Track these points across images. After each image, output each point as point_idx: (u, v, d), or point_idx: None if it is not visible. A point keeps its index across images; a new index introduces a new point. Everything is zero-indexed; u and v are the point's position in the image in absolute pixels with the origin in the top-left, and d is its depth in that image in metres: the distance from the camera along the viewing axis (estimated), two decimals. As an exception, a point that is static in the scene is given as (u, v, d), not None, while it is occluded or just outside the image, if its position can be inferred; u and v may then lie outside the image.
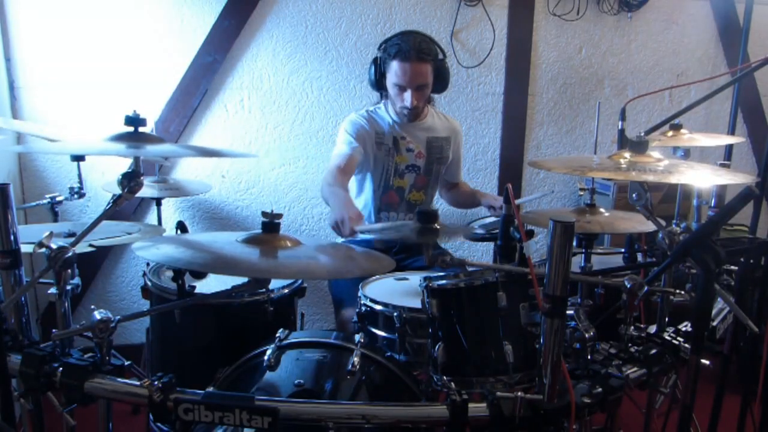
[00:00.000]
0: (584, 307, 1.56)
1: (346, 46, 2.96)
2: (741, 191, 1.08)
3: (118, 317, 1.13)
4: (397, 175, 2.35)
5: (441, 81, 2.26)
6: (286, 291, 1.79)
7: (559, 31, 3.19)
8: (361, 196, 2.42)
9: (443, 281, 1.38)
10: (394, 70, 2.16)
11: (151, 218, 2.86)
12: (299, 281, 1.84)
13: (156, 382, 1.05)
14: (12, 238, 1.17)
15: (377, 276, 1.89)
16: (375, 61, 2.25)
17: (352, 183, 2.46)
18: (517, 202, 2.04)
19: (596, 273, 1.66)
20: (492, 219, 2.34)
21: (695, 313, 1.13)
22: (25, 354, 1.09)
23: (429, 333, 1.41)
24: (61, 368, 1.08)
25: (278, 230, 1.30)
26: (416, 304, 1.52)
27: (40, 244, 1.14)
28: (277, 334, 1.49)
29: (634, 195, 1.32)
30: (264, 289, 1.70)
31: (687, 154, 2.12)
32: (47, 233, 1.15)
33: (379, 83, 2.26)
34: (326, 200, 2.09)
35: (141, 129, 1.37)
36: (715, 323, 1.72)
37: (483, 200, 2.42)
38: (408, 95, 2.19)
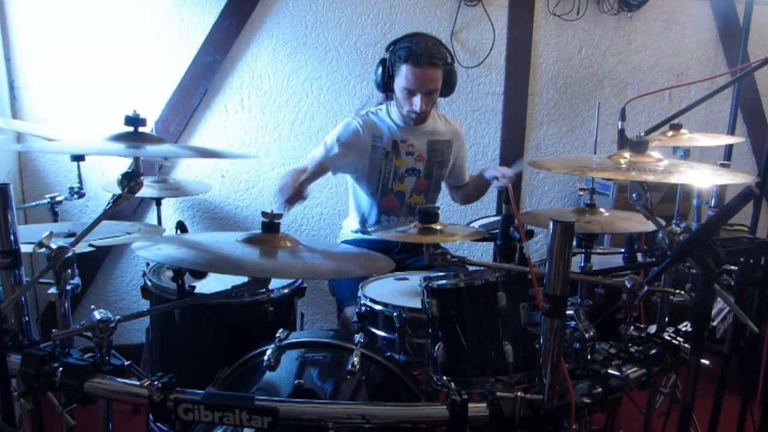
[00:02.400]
0: (584, 307, 1.55)
1: (346, 46, 2.96)
2: (741, 191, 1.08)
3: (118, 317, 1.13)
4: (396, 178, 2.32)
5: (449, 86, 2.23)
6: (286, 291, 1.79)
7: (559, 31, 3.18)
8: (358, 200, 2.41)
9: (443, 281, 1.38)
10: (405, 74, 2.12)
11: (151, 218, 2.86)
12: (299, 281, 1.84)
13: (156, 382, 1.05)
14: (12, 238, 1.17)
15: (377, 276, 1.89)
16: (383, 62, 2.20)
17: (348, 187, 2.46)
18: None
19: (596, 273, 1.66)
20: (492, 219, 2.34)
21: (695, 313, 1.13)
22: (25, 354, 1.09)
23: (429, 333, 1.41)
24: (61, 368, 1.08)
25: (278, 230, 1.30)
26: (416, 304, 1.52)
27: (40, 244, 1.14)
28: (277, 334, 1.49)
29: (634, 195, 1.32)
30: (264, 289, 1.70)
31: (687, 154, 2.12)
32: (47, 233, 1.15)
33: (386, 85, 2.22)
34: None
35: (141, 129, 1.37)
36: (715, 323, 1.72)
37: (486, 174, 2.29)
38: (417, 100, 2.15)
